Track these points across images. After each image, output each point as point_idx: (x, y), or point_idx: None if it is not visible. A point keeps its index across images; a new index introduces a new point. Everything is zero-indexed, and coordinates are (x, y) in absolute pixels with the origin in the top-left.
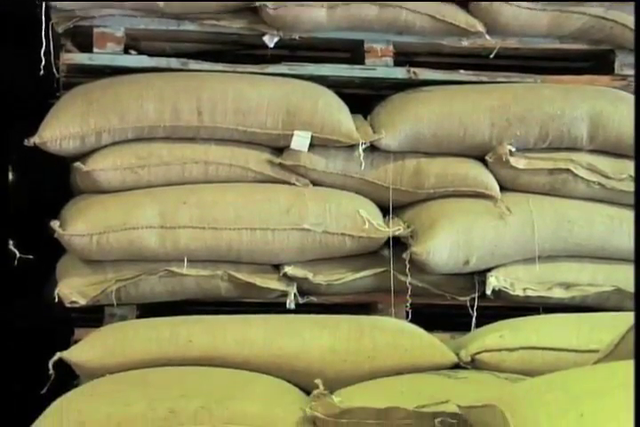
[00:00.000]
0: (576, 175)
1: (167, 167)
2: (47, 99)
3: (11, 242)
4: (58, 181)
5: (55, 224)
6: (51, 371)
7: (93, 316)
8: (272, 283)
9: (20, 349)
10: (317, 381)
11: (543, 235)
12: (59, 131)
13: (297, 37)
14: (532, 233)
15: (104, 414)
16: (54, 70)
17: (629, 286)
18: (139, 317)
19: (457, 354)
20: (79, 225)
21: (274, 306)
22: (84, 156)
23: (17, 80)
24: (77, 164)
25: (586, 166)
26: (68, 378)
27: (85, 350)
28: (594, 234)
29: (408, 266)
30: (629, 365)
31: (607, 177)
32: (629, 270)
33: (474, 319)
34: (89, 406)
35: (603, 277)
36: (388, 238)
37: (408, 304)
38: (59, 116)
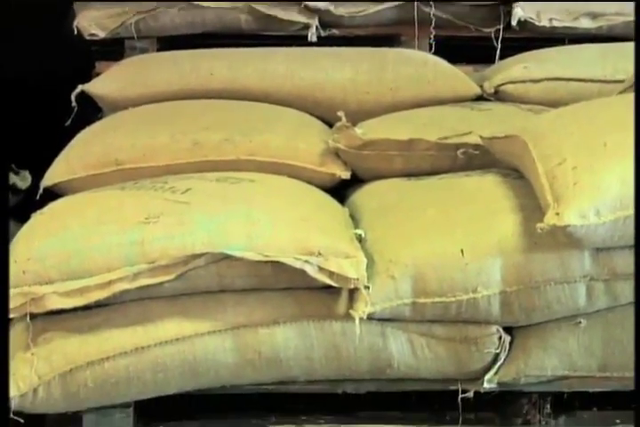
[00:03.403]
0: None
1: None
2: None
3: None
4: None
5: None
6: (74, 104)
7: (114, 49)
8: (294, 15)
9: (43, 85)
10: (340, 113)
11: None
12: None
13: None
14: None
15: (129, 145)
16: None
17: None
18: (159, 50)
19: (480, 86)
20: None
21: (295, 39)
22: None
23: None
24: None
25: None
26: (93, 113)
27: (107, 83)
28: None
29: None
30: None
31: None
32: None
33: (498, 52)
34: (113, 138)
35: (630, 6)
36: None
37: (431, 36)
38: None
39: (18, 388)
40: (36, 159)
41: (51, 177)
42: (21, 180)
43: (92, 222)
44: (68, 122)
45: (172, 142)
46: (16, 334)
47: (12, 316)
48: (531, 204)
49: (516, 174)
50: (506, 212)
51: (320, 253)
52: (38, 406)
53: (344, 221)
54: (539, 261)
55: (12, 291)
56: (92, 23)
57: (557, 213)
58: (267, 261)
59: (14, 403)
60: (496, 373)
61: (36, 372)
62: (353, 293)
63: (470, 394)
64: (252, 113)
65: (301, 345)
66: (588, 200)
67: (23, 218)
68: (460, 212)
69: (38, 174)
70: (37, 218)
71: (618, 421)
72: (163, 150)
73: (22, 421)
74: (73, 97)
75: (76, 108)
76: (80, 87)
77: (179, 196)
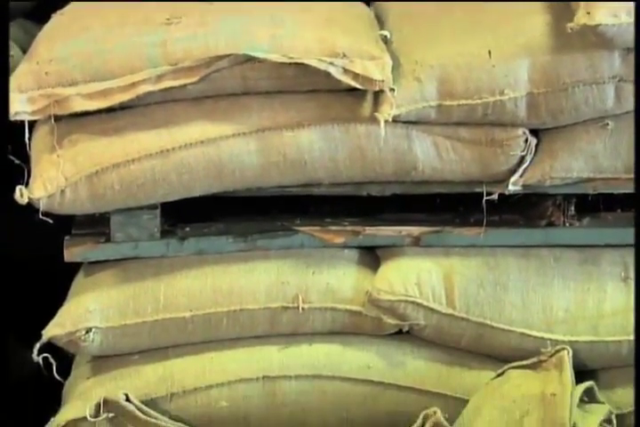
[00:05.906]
0: None
1: None
2: None
3: None
4: None
5: None
6: None
7: None
8: None
9: None
10: None
11: None
12: None
13: None
14: None
15: None
16: None
17: None
18: None
19: None
20: None
21: None
22: None
23: None
24: None
25: None
26: None
27: None
28: None
29: None
30: None
31: None
32: None
33: None
34: None
35: None
36: None
37: None
38: None
39: (45, 189)
40: None
41: None
42: None
43: (114, 23)
44: None
45: None
46: (40, 137)
47: (35, 118)
48: (561, 3)
49: None
50: (535, 12)
51: (345, 55)
52: (66, 207)
53: (369, 22)
54: (567, 62)
55: (35, 92)
56: None
57: (588, 13)
58: (290, 63)
59: (42, 204)
60: (521, 175)
61: (62, 173)
62: (378, 95)
63: (495, 196)
64: None
65: (325, 147)
66: None
67: (43, 19)
68: (488, 13)
69: None
70: (58, 19)
71: None
72: None
73: (51, 221)
74: None
75: None
76: None
77: None
